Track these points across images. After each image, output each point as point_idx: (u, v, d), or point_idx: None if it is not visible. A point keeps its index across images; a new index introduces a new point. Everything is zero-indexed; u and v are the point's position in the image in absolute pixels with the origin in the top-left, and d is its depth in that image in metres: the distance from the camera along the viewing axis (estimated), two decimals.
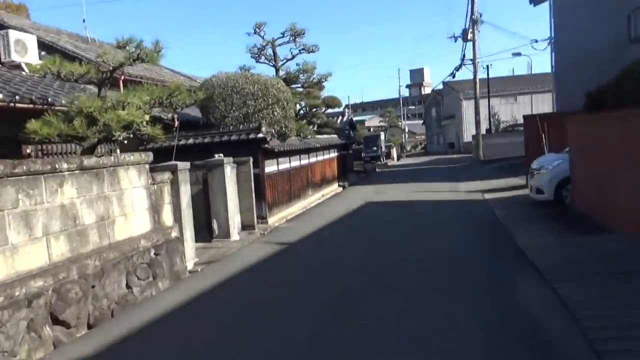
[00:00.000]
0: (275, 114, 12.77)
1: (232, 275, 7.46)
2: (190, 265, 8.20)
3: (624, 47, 16.33)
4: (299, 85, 18.75)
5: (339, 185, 20.84)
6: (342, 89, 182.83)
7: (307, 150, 16.21)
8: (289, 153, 14.28)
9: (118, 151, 8.12)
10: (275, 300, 6.06)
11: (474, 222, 10.05)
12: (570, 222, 8.43)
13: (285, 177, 14.05)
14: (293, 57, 17.35)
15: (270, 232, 11.14)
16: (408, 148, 64.42)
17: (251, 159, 11.10)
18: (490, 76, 36.45)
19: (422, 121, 66.21)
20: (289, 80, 18.12)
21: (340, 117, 24.81)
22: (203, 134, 12.44)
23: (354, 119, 74.50)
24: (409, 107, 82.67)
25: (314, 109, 17.51)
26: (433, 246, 8.15)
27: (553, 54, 19.20)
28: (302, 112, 17.79)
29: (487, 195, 13.67)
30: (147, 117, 6.91)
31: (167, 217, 7.86)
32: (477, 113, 29.97)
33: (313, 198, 16.53)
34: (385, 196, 16.00)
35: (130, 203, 6.90)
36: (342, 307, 5.58)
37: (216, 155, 10.47)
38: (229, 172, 10.39)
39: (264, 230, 11.34)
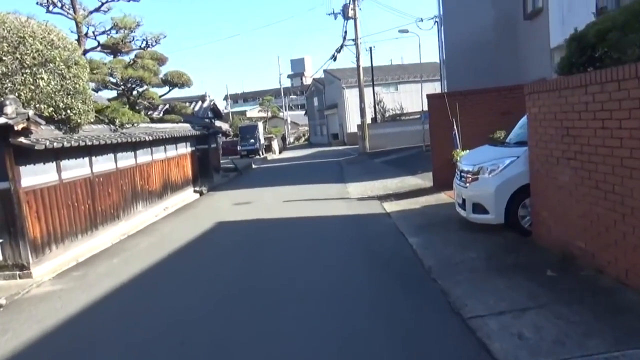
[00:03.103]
0: (42, 83, 7.29)
1: None
2: None
3: (515, 24, 13.99)
4: (129, 54, 13.15)
5: (195, 191, 15.67)
6: (221, 79, 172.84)
7: (130, 146, 10.83)
8: (87, 150, 8.87)
9: None
10: None
11: (383, 277, 5.62)
12: (564, 280, 4.49)
13: (80, 191, 8.64)
14: (103, 5, 11.52)
15: (5, 310, 5.77)
16: (291, 139, 60.72)
17: None
18: (375, 62, 33.77)
19: (304, 111, 62.85)
20: (109, 46, 12.44)
21: (199, 102, 19.46)
22: None
23: (234, 109, 68.92)
24: (291, 96, 79.01)
25: (137, 85, 11.78)
26: None
27: (442, 32, 16.46)
28: (128, 90, 12.12)
29: (389, 206, 9.69)
30: None
31: None
32: (361, 100, 26.67)
33: (146, 216, 11.25)
34: (248, 209, 11.32)
35: None
36: None
37: None
38: None
39: (5, 299, 5.98)
